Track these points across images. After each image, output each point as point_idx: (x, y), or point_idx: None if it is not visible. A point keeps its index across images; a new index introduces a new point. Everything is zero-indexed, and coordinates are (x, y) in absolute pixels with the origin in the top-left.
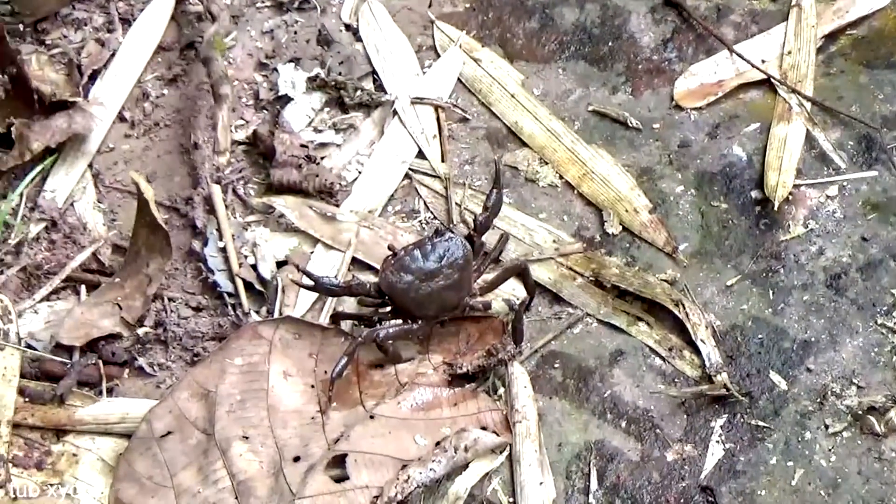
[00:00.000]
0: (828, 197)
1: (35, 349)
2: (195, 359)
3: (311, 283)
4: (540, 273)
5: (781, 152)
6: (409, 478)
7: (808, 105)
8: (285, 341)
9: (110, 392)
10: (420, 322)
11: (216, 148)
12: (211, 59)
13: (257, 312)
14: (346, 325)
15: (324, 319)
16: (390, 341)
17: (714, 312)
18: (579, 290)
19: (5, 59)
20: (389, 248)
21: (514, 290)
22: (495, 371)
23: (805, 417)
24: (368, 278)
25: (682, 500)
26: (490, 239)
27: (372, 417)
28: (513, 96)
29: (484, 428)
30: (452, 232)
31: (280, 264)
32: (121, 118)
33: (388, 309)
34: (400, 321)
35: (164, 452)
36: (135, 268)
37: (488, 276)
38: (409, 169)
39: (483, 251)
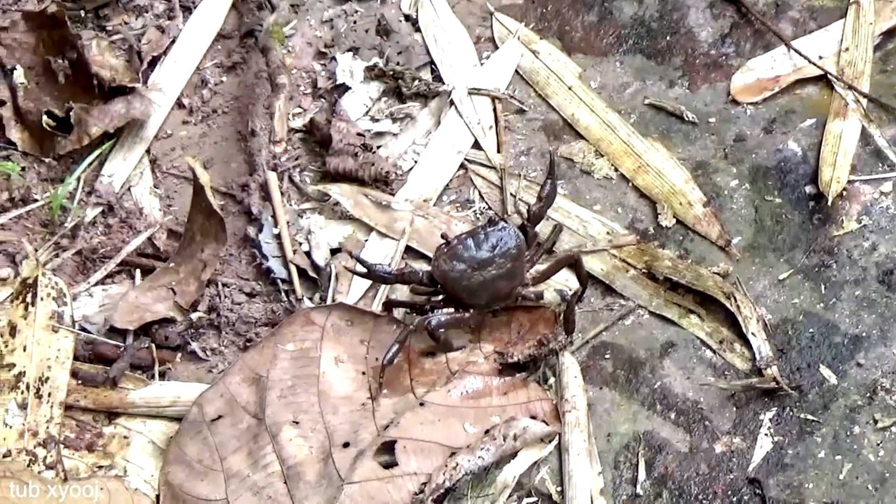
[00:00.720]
0: (882, 193)
1: (89, 332)
2: (248, 344)
3: (364, 270)
4: (593, 264)
5: (836, 148)
6: (457, 465)
7: (864, 101)
8: (337, 328)
9: (162, 376)
10: (472, 311)
11: (272, 136)
12: (269, 48)
13: (310, 299)
14: (398, 312)
15: (376, 307)
16: (441, 329)
17: (765, 306)
18: (631, 281)
19: (66, 44)
20: (442, 236)
21: (566, 280)
22: (546, 361)
23: (854, 412)
24: (422, 266)
25: (729, 492)
26: (544, 230)
27: (422, 405)
28: (570, 89)
29: (533, 417)
30: (506, 222)
31: (334, 252)
32: (179, 105)
33: (440, 297)
34: (451, 309)
35: (214, 436)
36: (189, 253)
37: (541, 267)
38: (465, 159)
39: (536, 241)
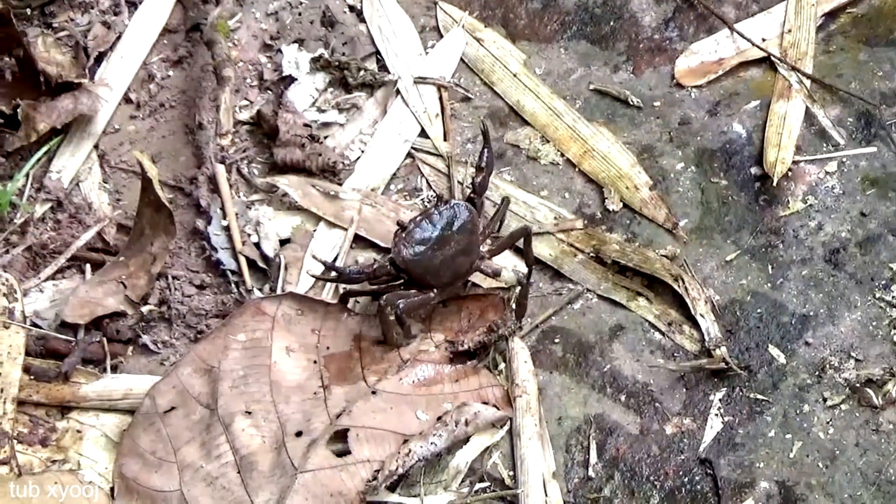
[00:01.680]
0: (827, 173)
1: (40, 327)
2: (199, 336)
3: (335, 275)
4: (541, 249)
5: (781, 129)
6: (409, 451)
7: (807, 82)
8: (288, 317)
9: (114, 369)
10: (435, 291)
11: (219, 129)
12: (214, 41)
13: (260, 290)
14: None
15: (326, 295)
16: (408, 311)
17: (713, 287)
18: (580, 266)
19: (12, 41)
20: (398, 223)
21: (515, 266)
22: (496, 347)
23: (803, 390)
24: (370, 255)
25: (680, 473)
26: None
27: (374, 393)
28: (515, 76)
29: (485, 403)
30: (455, 199)
31: (283, 242)
32: (126, 99)
33: (401, 282)
34: (414, 291)
35: (167, 428)
36: (139, 246)
37: (495, 242)
38: (412, 148)
39: (484, 215)
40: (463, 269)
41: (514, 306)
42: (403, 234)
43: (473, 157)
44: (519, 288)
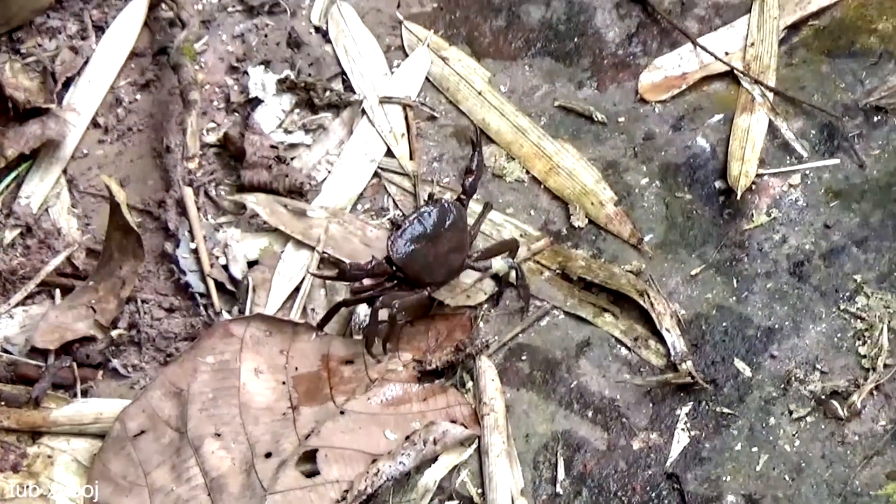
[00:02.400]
0: (790, 186)
1: (10, 353)
2: (168, 359)
3: (336, 272)
4: (511, 273)
5: (744, 142)
6: (378, 471)
7: (770, 95)
8: (256, 339)
9: (85, 394)
10: (429, 288)
11: (186, 153)
12: (181, 65)
13: (229, 312)
14: (315, 320)
15: (295, 316)
16: (402, 311)
17: (679, 302)
18: (546, 283)
19: None
20: (390, 221)
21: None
22: (463, 365)
23: (769, 403)
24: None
25: (648, 488)
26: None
27: (342, 413)
28: (480, 94)
29: (453, 421)
30: (444, 198)
31: (251, 264)
32: (94, 124)
33: (394, 283)
34: (407, 292)
35: (137, 452)
36: (108, 271)
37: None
38: (378, 167)
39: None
40: (456, 265)
41: (519, 292)
42: (399, 233)
43: (440, 176)
44: (514, 273)
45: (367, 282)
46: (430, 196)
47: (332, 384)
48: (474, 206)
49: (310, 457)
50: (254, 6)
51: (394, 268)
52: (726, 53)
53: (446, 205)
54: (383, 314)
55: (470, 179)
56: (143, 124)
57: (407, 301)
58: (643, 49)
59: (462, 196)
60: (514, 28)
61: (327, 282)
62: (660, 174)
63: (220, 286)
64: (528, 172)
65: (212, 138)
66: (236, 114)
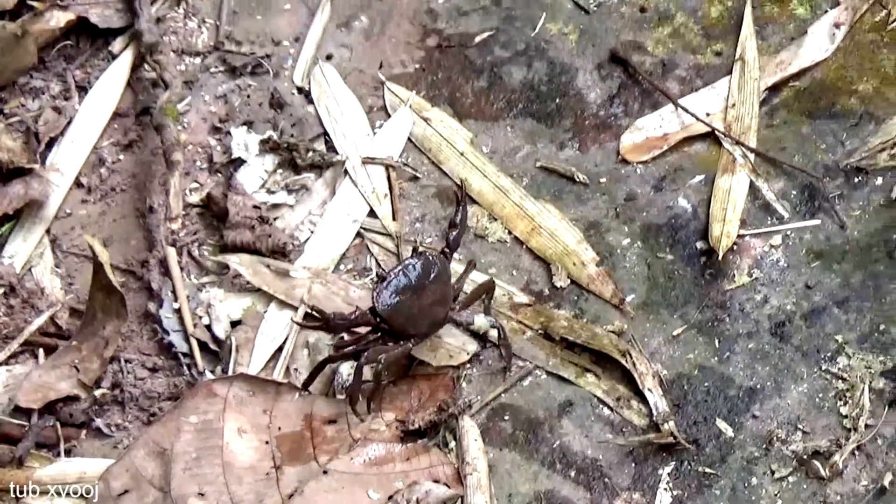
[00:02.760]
0: (772, 246)
1: None
2: (151, 419)
3: (319, 322)
4: (492, 332)
5: (726, 203)
6: None
7: (751, 156)
8: (239, 398)
9: (68, 453)
10: (412, 340)
11: (169, 213)
12: (163, 126)
13: (212, 371)
14: (298, 382)
15: (278, 375)
16: (387, 364)
17: (661, 362)
18: (529, 343)
19: None
20: (377, 274)
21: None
22: (446, 425)
23: (751, 463)
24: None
25: None
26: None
27: (325, 472)
28: (462, 154)
29: (436, 481)
30: (428, 251)
31: (234, 324)
32: (77, 184)
33: (378, 335)
34: (391, 344)
35: None
36: (91, 330)
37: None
38: (361, 228)
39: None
40: (439, 318)
41: (501, 351)
42: (385, 285)
43: (422, 236)
44: (496, 332)
45: (349, 336)
46: (415, 249)
47: (316, 444)
48: (457, 266)
49: None
50: (236, 67)
51: (378, 319)
52: (707, 114)
53: (430, 257)
54: (367, 373)
55: (454, 234)
56: (126, 184)
57: (392, 356)
58: (625, 110)
59: (446, 250)
60: (495, 89)
61: (310, 341)
62: (641, 234)
63: (203, 346)
64: (510, 233)
65: (195, 198)
66: (219, 174)
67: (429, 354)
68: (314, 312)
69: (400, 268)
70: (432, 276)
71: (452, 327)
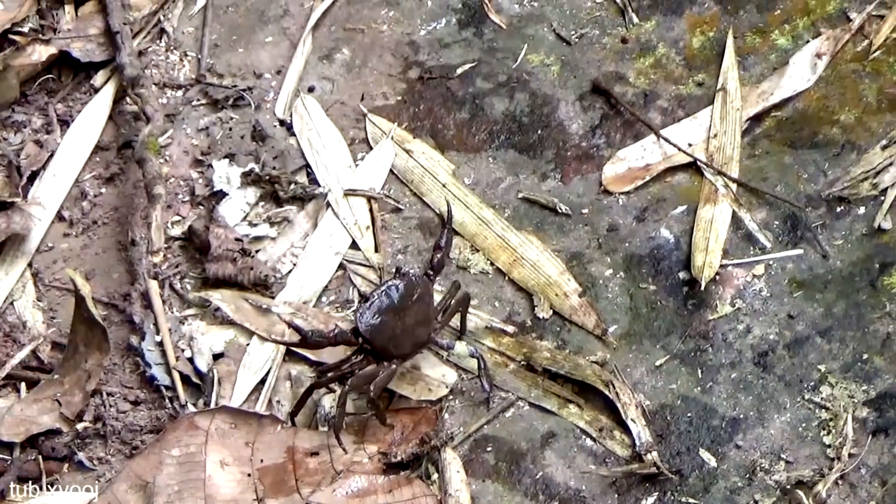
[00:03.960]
0: (754, 276)
1: None
2: (134, 452)
3: (298, 338)
4: (471, 362)
5: (708, 233)
6: None
7: (734, 186)
8: (221, 431)
9: (50, 486)
10: (395, 361)
11: (151, 246)
12: (145, 160)
13: (194, 404)
14: (281, 414)
15: (260, 408)
16: (378, 389)
17: (644, 392)
18: (511, 374)
19: None
20: (360, 294)
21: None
22: (429, 457)
23: (734, 493)
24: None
25: None
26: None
27: None
28: (444, 186)
29: None
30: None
31: (216, 357)
32: (60, 217)
33: (361, 357)
34: (374, 367)
35: None
36: (73, 364)
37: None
38: (344, 260)
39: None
40: (422, 339)
41: (482, 381)
42: (368, 305)
43: (405, 268)
44: (476, 362)
45: (332, 360)
46: (398, 269)
47: (298, 476)
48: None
49: None
50: (218, 100)
51: (360, 339)
52: (689, 145)
53: (413, 279)
54: (349, 405)
55: (438, 255)
56: (108, 217)
57: (380, 380)
58: (606, 141)
59: (429, 272)
60: (477, 120)
61: (293, 374)
62: (624, 265)
63: (185, 379)
64: (492, 264)
65: (177, 231)
66: (201, 207)
67: (408, 388)
68: (291, 329)
69: (383, 288)
70: (415, 296)
71: (431, 355)
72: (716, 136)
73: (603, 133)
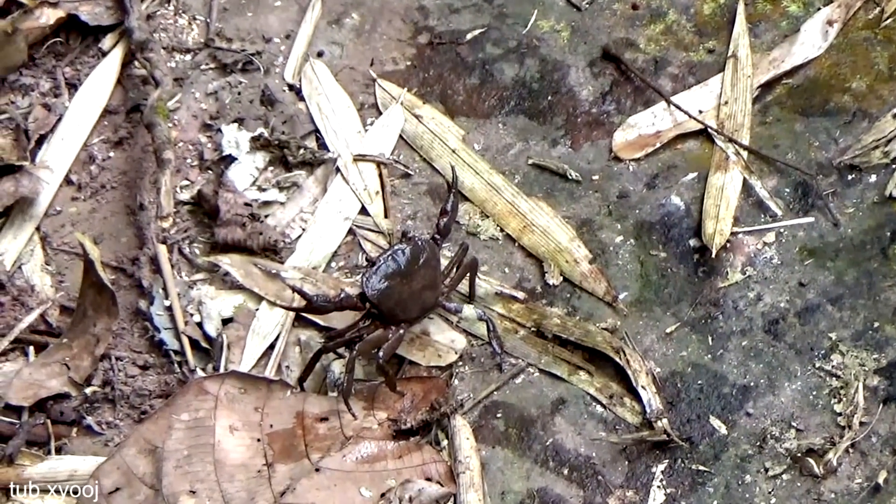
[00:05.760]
0: (765, 244)
1: None
2: (142, 416)
3: (304, 303)
4: (480, 325)
5: (719, 201)
6: None
7: (744, 154)
8: (231, 396)
9: (59, 451)
10: (403, 325)
11: (159, 212)
12: (154, 124)
13: (203, 369)
14: (291, 379)
15: (270, 373)
16: (389, 357)
17: (654, 360)
18: (521, 341)
19: None
20: (367, 259)
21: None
22: (438, 424)
23: (745, 461)
24: (312, 334)
25: None
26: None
27: (317, 470)
28: (454, 152)
29: (429, 479)
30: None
31: (225, 322)
32: (68, 181)
33: (369, 322)
34: (381, 331)
35: None
36: (82, 328)
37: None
38: (353, 225)
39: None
40: (429, 303)
41: (492, 345)
42: (375, 270)
43: (414, 234)
44: (485, 325)
45: (340, 325)
46: (404, 234)
47: (307, 441)
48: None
49: None
50: (227, 64)
51: (367, 304)
52: (700, 112)
53: (420, 242)
54: (358, 370)
55: (444, 220)
56: (116, 181)
57: (389, 347)
58: (617, 107)
59: (436, 236)
60: (487, 86)
61: (302, 339)
62: (634, 232)
63: (194, 344)
64: (502, 230)
65: (185, 196)
66: (210, 171)
67: (417, 354)
68: (297, 293)
69: (389, 253)
70: (421, 260)
71: (440, 320)
72: (726, 103)
73: (613, 99)
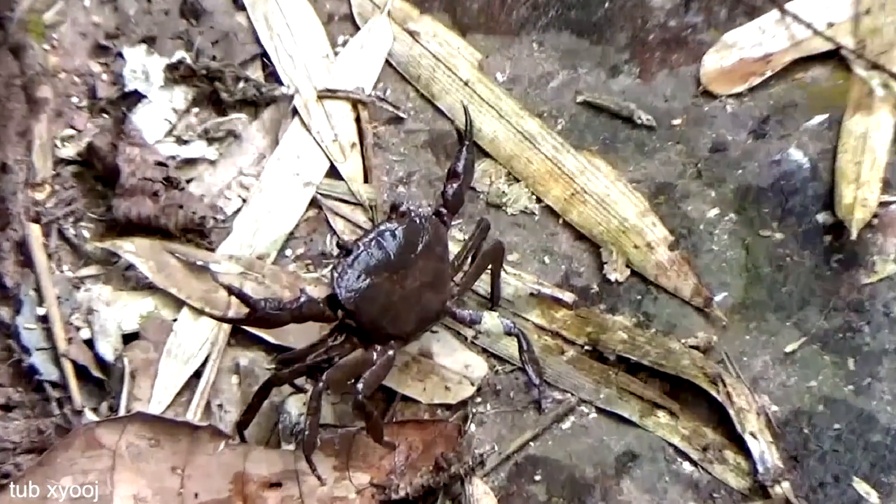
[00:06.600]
0: None
1: None
2: (4, 481)
3: (245, 310)
4: (509, 342)
5: (860, 156)
6: None
7: None
8: (136, 450)
9: None
10: (393, 344)
11: (32, 174)
12: (23, 46)
13: (95, 410)
14: (225, 425)
15: (194, 416)
16: (369, 391)
17: (768, 392)
18: (569, 365)
19: None
20: (338, 245)
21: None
22: (447, 491)
23: None
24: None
25: None
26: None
27: None
28: (466, 84)
29: None
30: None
31: (128, 338)
32: None
33: (343, 338)
34: (361, 353)
35: None
36: None
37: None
38: (318, 193)
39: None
40: (431, 311)
41: (527, 373)
42: (349, 261)
43: (405, 205)
44: (517, 340)
45: (299, 344)
46: (395, 207)
47: None
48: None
49: None
50: None
51: (339, 312)
52: (829, 25)
53: (418, 220)
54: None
55: (454, 186)
56: None
57: (372, 375)
58: (706, 19)
59: (442, 209)
60: None
61: (241, 364)
62: (736, 203)
63: (81, 371)
64: (539, 201)
65: (70, 152)
66: (105, 115)
67: (415, 387)
68: (234, 296)
69: (373, 235)
70: (420, 247)
71: (448, 335)
72: (868, 11)
73: (701, 7)
